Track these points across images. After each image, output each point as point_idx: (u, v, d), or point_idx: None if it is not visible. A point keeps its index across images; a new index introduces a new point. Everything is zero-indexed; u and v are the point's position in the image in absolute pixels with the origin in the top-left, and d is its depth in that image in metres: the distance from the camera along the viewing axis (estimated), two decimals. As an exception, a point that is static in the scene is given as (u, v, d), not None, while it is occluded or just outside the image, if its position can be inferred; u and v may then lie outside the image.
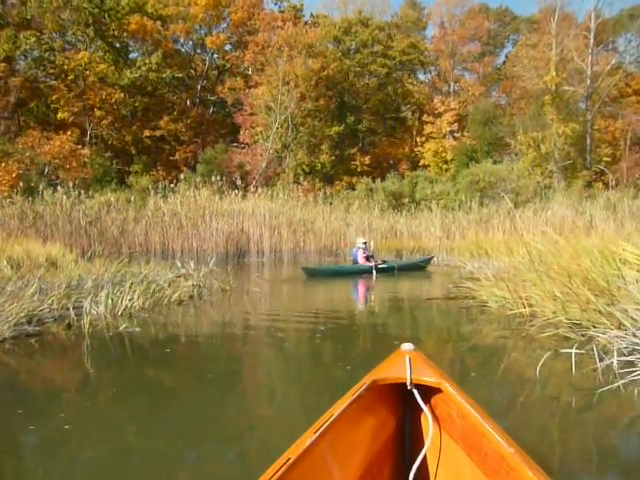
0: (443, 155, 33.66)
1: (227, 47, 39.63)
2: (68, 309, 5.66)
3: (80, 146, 24.57)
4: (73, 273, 7.34)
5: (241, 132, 32.36)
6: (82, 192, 18.29)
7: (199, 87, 38.55)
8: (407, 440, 2.01)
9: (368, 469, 1.77)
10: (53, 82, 32.78)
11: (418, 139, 36.12)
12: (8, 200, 17.25)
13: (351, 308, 7.67)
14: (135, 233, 17.61)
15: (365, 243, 12.78)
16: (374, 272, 11.91)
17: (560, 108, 27.52)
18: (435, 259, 13.84)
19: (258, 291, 8.66)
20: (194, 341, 5.48)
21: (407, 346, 2.09)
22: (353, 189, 28.82)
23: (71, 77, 31.42)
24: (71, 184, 18.62)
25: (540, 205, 19.67)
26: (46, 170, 21.03)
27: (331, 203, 22.42)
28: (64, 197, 17.69)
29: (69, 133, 24.92)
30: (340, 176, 33.03)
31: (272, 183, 27.60)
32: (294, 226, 18.74)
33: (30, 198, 17.89)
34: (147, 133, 34.75)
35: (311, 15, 40.52)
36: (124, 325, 5.39)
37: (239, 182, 22.64)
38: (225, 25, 39.47)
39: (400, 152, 37.68)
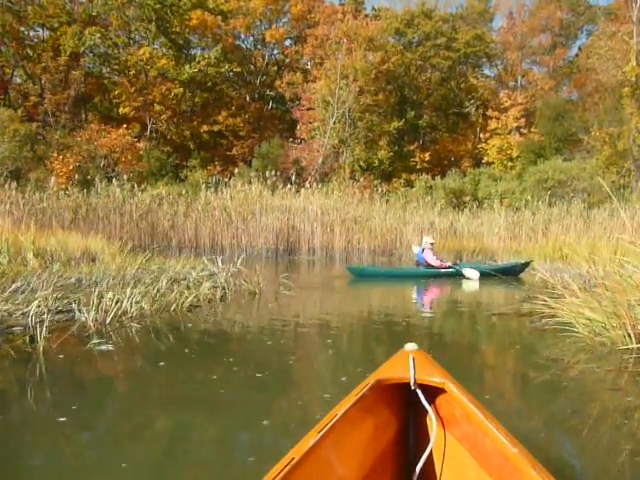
0: (508, 152, 31.87)
1: (287, 42, 39.44)
2: (60, 311, 4.87)
3: (137, 139, 24.69)
4: (102, 268, 6.82)
5: (298, 127, 31.82)
6: (135, 185, 18.20)
7: (258, 82, 38.45)
8: (411, 440, 1.99)
9: (372, 469, 1.75)
10: (116, 77, 33.42)
11: (482, 135, 34.46)
12: (63, 192, 17.34)
13: (396, 322, 6.01)
14: (185, 227, 17.32)
15: (433, 243, 11.27)
16: (465, 271, 10.55)
17: (640, 101, 25.32)
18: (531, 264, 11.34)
19: (291, 295, 7.38)
20: (175, 372, 3.80)
21: (411, 346, 2.04)
22: (411, 187, 27.72)
23: (133, 72, 31.87)
24: (125, 177, 18.60)
25: (617, 206, 17.96)
26: (102, 163, 21.22)
27: (387, 201, 21.44)
28: (117, 190, 17.63)
29: (125, 127, 25.07)
30: (398, 173, 31.93)
31: (328, 179, 26.93)
32: (347, 224, 17.89)
33: (85, 190, 17.98)
34: (205, 128, 34.88)
35: (373, 8, 39.58)
36: (96, 341, 4.14)
37: (294, 177, 22.03)
38: (285, 19, 39.24)
39: (462, 149, 36.13)
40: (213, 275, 7.05)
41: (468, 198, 23.37)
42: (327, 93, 29.60)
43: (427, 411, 1.88)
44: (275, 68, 38.93)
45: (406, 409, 2.01)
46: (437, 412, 1.91)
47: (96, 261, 8.15)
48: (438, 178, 25.94)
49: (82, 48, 30.13)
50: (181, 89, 32.74)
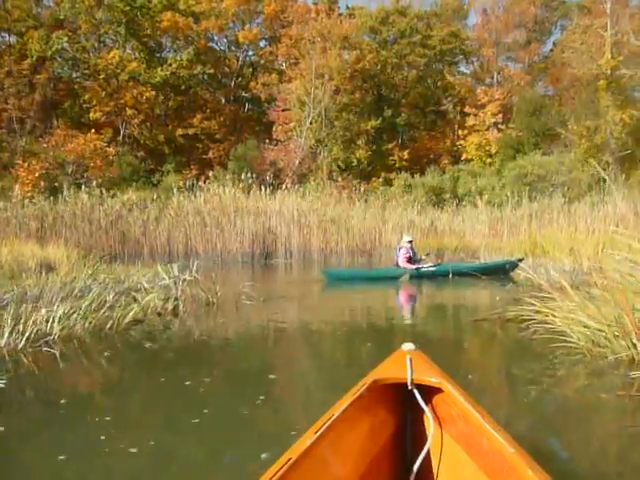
0: (487, 148, 31.71)
1: (261, 43, 38.94)
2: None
3: (106, 144, 23.95)
4: (50, 280, 6.23)
5: (274, 128, 31.30)
6: (104, 191, 17.51)
7: (233, 84, 37.88)
8: (408, 440, 1.97)
9: (369, 469, 1.74)
10: (86, 82, 32.57)
11: (460, 132, 34.28)
12: (29, 200, 16.62)
13: (368, 332, 5.48)
14: (157, 234, 16.69)
15: (411, 242, 10.72)
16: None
17: (616, 94, 25.31)
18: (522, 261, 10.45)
19: (253, 304, 6.61)
20: (73, 420, 2.88)
21: (408, 346, 2.03)
22: (391, 185, 27.35)
23: (103, 76, 31.05)
24: (94, 183, 17.92)
25: (597, 199, 17.77)
26: (70, 169, 20.46)
27: (366, 200, 21.01)
28: (85, 196, 16.95)
29: (93, 131, 24.29)
30: (377, 172, 31.55)
31: (306, 180, 26.45)
32: (325, 225, 17.41)
33: (52, 198, 17.27)
34: (180, 132, 34.21)
35: (347, 7, 39.20)
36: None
37: (271, 179, 21.47)
38: (259, 20, 38.72)
39: (441, 146, 35.94)
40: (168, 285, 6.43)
41: (448, 195, 23.09)
42: (302, 93, 29.16)
43: (424, 411, 1.87)
44: (250, 70, 38.40)
45: (403, 409, 1.99)
46: (434, 412, 1.90)
47: (50, 273, 7.53)
48: (417, 176, 25.60)
49: (49, 52, 29.23)
50: (153, 93, 31.96)
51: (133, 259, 15.21)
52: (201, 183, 20.06)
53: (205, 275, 7.10)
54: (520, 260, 10.08)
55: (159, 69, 32.58)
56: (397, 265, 10.52)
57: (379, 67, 33.63)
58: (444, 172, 27.67)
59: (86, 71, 32.33)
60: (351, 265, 14.25)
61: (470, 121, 33.34)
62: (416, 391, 1.87)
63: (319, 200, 18.73)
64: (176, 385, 3.47)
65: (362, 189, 23.39)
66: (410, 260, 10.42)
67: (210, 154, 34.13)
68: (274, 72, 35.94)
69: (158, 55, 36.00)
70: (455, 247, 15.60)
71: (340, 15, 35.01)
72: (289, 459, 1.40)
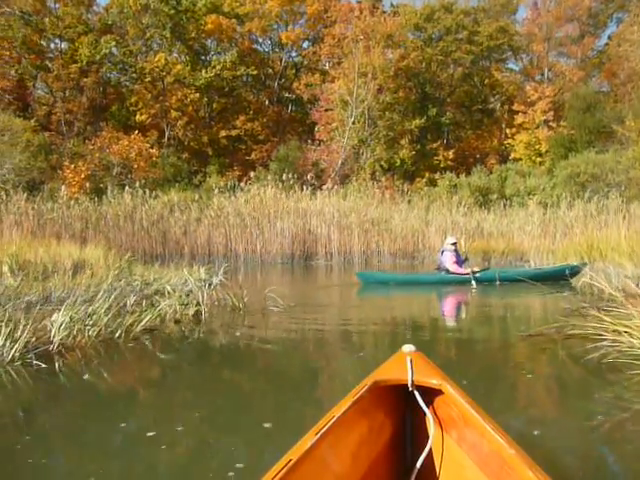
0: (537, 147, 30.51)
1: (304, 44, 38.83)
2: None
3: (150, 145, 24.25)
4: (76, 282, 6.08)
5: (316, 128, 31.05)
6: (147, 192, 17.63)
7: (276, 85, 37.91)
8: (408, 442, 1.96)
9: (369, 470, 1.73)
10: (133, 85, 33.22)
11: (508, 131, 33.15)
12: (74, 201, 16.89)
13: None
14: (197, 234, 16.65)
15: (455, 244, 9.70)
16: (473, 282, 9.01)
17: (678, 88, 23.82)
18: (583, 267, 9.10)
19: (279, 310, 6.05)
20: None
21: (408, 347, 2.01)
22: (435, 186, 26.64)
23: (148, 79, 31.59)
24: (137, 184, 18.07)
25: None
26: (115, 170, 20.78)
27: (409, 201, 20.43)
28: (128, 197, 17.10)
29: (136, 132, 24.60)
30: (421, 172, 30.88)
31: (349, 181, 26.06)
32: (366, 226, 16.96)
33: (97, 199, 17.52)
34: (223, 133, 34.44)
35: (391, 5, 38.60)
36: None
37: (313, 180, 21.17)
38: (302, 21, 38.62)
39: (488, 145, 34.89)
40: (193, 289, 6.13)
41: (495, 196, 22.19)
42: (345, 92, 28.77)
43: (425, 412, 1.85)
44: (293, 71, 38.34)
45: (404, 410, 1.99)
46: (435, 413, 1.89)
47: (81, 273, 7.41)
48: (463, 176, 24.81)
49: (98, 57, 29.91)
50: (197, 95, 32.30)
51: (173, 259, 15.25)
52: (242, 184, 20.01)
53: (239, 277, 6.74)
54: (584, 265, 8.92)
55: (203, 71, 32.87)
56: (438, 269, 9.73)
57: (424, 65, 32.94)
58: (491, 172, 26.72)
59: (133, 75, 33.00)
60: (392, 268, 13.77)
61: (519, 119, 32.22)
62: (417, 392, 1.86)
63: (361, 200, 18.30)
64: (179, 414, 2.99)
65: (406, 190, 22.81)
66: (459, 263, 9.52)
67: (253, 155, 34.21)
68: (317, 72, 35.75)
69: (203, 58, 36.38)
70: (503, 250, 14.86)
71: (384, 13, 34.44)
72: (289, 460, 1.40)
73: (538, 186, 22.10)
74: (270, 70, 38.07)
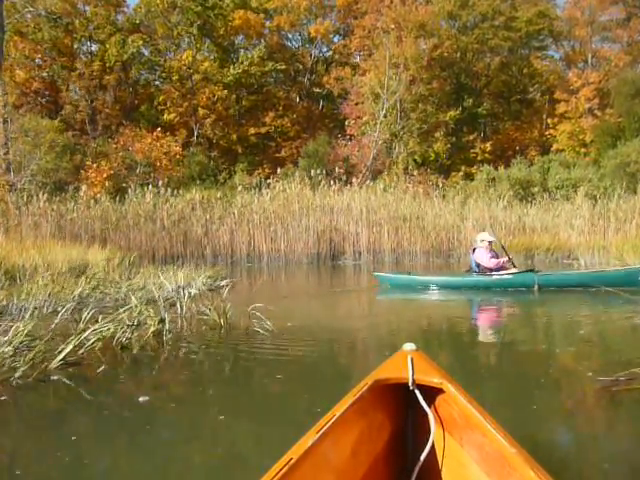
0: (580, 137, 28.82)
1: (335, 39, 37.95)
2: None
3: (173, 143, 23.76)
4: (56, 288, 5.31)
5: (347, 123, 30.07)
6: (169, 191, 17.03)
7: (306, 80, 37.12)
8: (409, 441, 1.95)
9: (370, 469, 1.72)
10: (161, 84, 32.98)
11: (549, 121, 31.51)
12: (94, 201, 16.45)
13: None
14: (220, 234, 15.93)
15: (491, 242, 8.32)
16: (536, 286, 7.51)
17: None
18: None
19: (264, 334, 4.53)
20: None
21: (409, 346, 2.00)
22: (472, 180, 25.32)
23: (176, 77, 31.26)
24: (160, 183, 17.52)
25: None
26: (138, 169, 20.32)
27: (444, 196, 19.24)
28: (149, 196, 16.53)
29: (159, 130, 24.12)
30: (457, 166, 29.51)
31: (381, 177, 25.01)
32: (397, 222, 15.88)
33: (117, 198, 17.05)
34: (252, 131, 33.82)
35: (423, -7, 37.22)
36: None
37: (342, 176, 20.20)
38: (332, 15, 37.69)
39: (527, 137, 33.21)
40: (169, 299, 5.13)
41: (537, 189, 20.77)
42: (376, 85, 27.67)
43: (425, 412, 1.83)
44: (324, 66, 37.47)
45: (404, 410, 1.96)
46: (435, 412, 1.86)
47: (72, 277, 6.67)
48: (501, 168, 23.43)
49: (125, 56, 29.70)
50: (225, 92, 31.76)
51: (195, 260, 14.57)
52: (269, 180, 19.28)
53: (253, 279, 5.67)
54: None
55: (231, 68, 32.35)
56: (469, 270, 8.36)
57: (458, 54, 31.57)
58: (532, 164, 25.22)
59: (163, 74, 32.78)
60: (425, 268, 12.66)
61: (561, 108, 30.59)
62: (417, 391, 1.82)
63: (391, 196, 17.23)
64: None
65: (441, 184, 21.59)
66: (499, 261, 8.14)
67: (283, 152, 33.48)
68: (347, 66, 34.78)
69: (231, 55, 35.89)
70: (548, 246, 13.58)
71: (416, 1, 33.13)
72: (290, 459, 1.37)
73: (584, 177, 20.56)
74: (300, 65, 37.31)
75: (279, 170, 22.21)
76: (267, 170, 30.96)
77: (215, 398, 3.15)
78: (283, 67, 33.85)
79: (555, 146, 29.79)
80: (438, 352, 4.36)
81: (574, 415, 2.86)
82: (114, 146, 21.79)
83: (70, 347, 3.43)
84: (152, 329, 4.27)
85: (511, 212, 17.22)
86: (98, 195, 17.65)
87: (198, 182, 22.67)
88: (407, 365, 1.83)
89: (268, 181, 19.25)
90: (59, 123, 23.61)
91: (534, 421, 2.67)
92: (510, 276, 7.88)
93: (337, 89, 33.60)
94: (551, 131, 31.24)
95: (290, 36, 38.24)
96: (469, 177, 26.89)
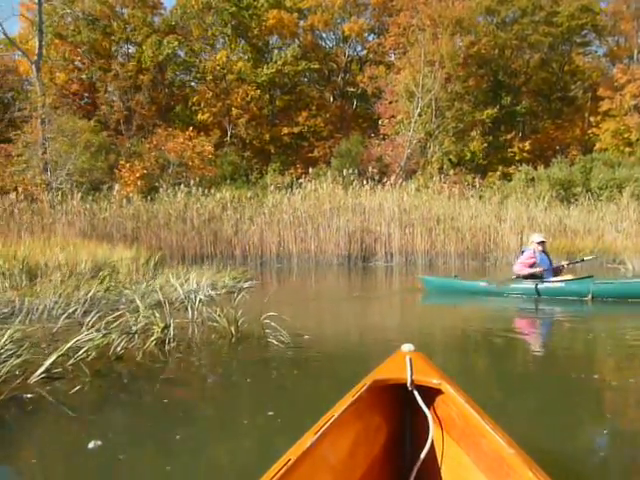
0: (625, 135, 27.62)
1: (369, 38, 37.51)
2: None
3: (206, 143, 23.78)
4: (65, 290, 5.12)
5: (380, 122, 29.61)
6: (200, 190, 16.99)
7: (340, 80, 36.81)
8: (408, 441, 1.95)
9: (369, 470, 1.72)
10: (196, 85, 33.20)
11: (592, 119, 30.34)
12: (126, 201, 16.53)
13: None
14: (250, 233, 15.75)
15: (543, 242, 7.65)
16: (589, 295, 6.76)
17: None
18: None
19: (279, 346, 4.06)
20: None
21: (407, 347, 2.00)
22: (509, 180, 24.54)
23: (210, 78, 31.42)
24: (192, 182, 17.50)
25: None
26: (171, 169, 20.38)
27: (480, 197, 18.63)
28: (180, 195, 16.52)
29: (191, 129, 24.17)
30: (494, 166, 28.69)
31: (415, 177, 24.49)
32: (431, 223, 15.39)
33: (149, 198, 17.10)
34: (285, 130, 33.70)
35: (460, -11, 36.42)
36: None
37: (372, 175, 19.79)
38: (367, 14, 37.29)
39: (569, 136, 32.10)
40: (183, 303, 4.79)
41: (579, 189, 19.93)
42: (411, 82, 27.14)
43: (424, 412, 1.82)
44: (358, 66, 37.10)
45: (403, 410, 1.95)
46: (434, 413, 1.85)
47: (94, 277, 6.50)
48: (541, 168, 22.60)
49: (160, 57, 29.98)
50: (259, 92, 31.74)
51: (224, 260, 14.43)
52: (301, 180, 19.06)
53: (280, 281, 5.23)
54: None
55: (265, 67, 32.33)
56: (530, 276, 7.47)
57: (496, 51, 30.71)
58: (573, 163, 24.28)
59: (197, 75, 33.02)
60: (460, 271, 12.12)
61: (604, 106, 29.42)
62: (416, 392, 1.81)
63: (425, 195, 16.74)
64: None
65: (477, 184, 20.94)
66: (532, 268, 7.42)
67: (316, 152, 33.24)
68: (381, 65, 34.32)
69: (265, 55, 35.88)
70: (591, 250, 12.87)
71: (453, -3, 32.43)
72: (289, 460, 1.37)
73: (630, 177, 19.59)
74: (334, 65, 37.03)
75: (311, 170, 21.90)
76: (299, 170, 30.80)
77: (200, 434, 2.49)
78: (317, 66, 33.67)
79: (598, 145, 28.67)
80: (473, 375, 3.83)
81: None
82: (147, 146, 21.94)
83: (53, 359, 3.07)
84: (154, 337, 3.91)
85: (551, 213, 16.51)
86: (130, 194, 17.73)
87: (229, 182, 22.61)
88: (405, 366, 1.83)
89: (300, 181, 19.04)
90: (95, 123, 23.93)
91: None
92: (562, 284, 7.15)
93: (371, 88, 33.17)
94: (594, 129, 30.11)
95: (324, 35, 38.03)
96: (506, 177, 26.10)
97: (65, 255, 6.98)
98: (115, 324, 3.76)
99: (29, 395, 2.90)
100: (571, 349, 4.60)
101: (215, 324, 4.37)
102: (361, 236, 15.32)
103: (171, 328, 4.01)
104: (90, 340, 3.35)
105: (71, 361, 3.27)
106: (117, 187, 17.44)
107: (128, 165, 19.83)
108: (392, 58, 35.25)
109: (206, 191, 17.46)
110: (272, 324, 4.22)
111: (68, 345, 3.24)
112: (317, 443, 1.48)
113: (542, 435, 2.50)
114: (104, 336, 3.53)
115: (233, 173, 25.06)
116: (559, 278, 7.35)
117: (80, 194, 16.45)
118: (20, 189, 16.23)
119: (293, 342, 4.12)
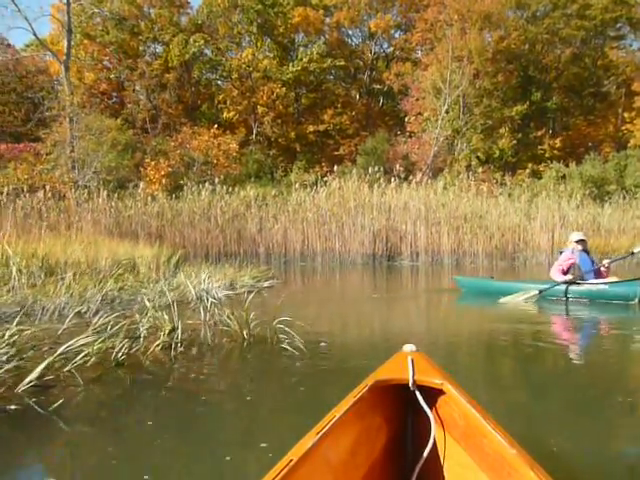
0: (662, 131, 26.71)
1: (396, 34, 37.11)
2: None
3: (230, 140, 23.78)
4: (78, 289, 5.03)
5: (407, 119, 29.22)
6: (224, 188, 16.95)
7: (366, 77, 36.53)
8: (409, 441, 1.94)
9: (370, 470, 1.72)
10: (222, 83, 33.31)
11: (626, 115, 29.43)
12: (150, 199, 16.60)
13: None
14: (274, 232, 15.63)
15: (583, 241, 7.18)
16: (637, 299, 6.26)
17: None
18: None
19: (292, 352, 3.76)
20: None
21: (409, 347, 1.99)
22: (539, 178, 23.92)
23: (236, 76, 31.47)
24: (216, 180, 17.49)
25: None
26: (196, 167, 20.43)
27: (509, 195, 18.16)
28: (204, 193, 16.51)
29: (215, 127, 24.19)
30: (523, 163, 28.06)
31: (442, 175, 24.08)
32: (458, 222, 15.03)
33: (174, 196, 17.15)
34: (311, 128, 33.57)
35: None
36: None
37: (399, 173, 19.46)
38: (394, 11, 36.88)
39: (601, 132, 31.23)
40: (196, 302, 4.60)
41: (613, 187, 19.29)
42: (438, 79, 26.69)
43: (426, 412, 1.82)
44: (384, 63, 36.76)
45: (405, 410, 1.95)
46: (436, 413, 1.85)
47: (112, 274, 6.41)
48: (573, 165, 21.96)
49: (187, 56, 30.15)
50: (284, 89, 31.67)
51: (248, 258, 14.35)
52: (326, 178, 18.88)
53: (301, 280, 4.98)
54: None
55: (290, 65, 32.25)
56: (568, 282, 6.90)
57: (526, 46, 30.04)
58: (606, 160, 23.55)
59: (223, 73, 33.12)
60: (489, 271, 11.75)
61: (639, 101, 28.45)
62: (418, 392, 1.81)
63: (452, 194, 16.37)
64: None
65: (506, 182, 20.43)
66: (567, 273, 6.87)
67: (341, 150, 33.04)
68: (408, 61, 33.91)
69: (291, 53, 35.80)
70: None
71: (481, -8, 31.81)
72: (290, 460, 1.37)
73: (666, 175, 18.92)
74: (359, 62, 36.75)
75: (336, 168, 21.70)
76: (325, 168, 30.62)
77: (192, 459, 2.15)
78: (342, 64, 33.45)
79: (633, 141, 27.80)
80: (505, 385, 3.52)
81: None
82: (172, 144, 22.05)
83: (44, 365, 2.84)
84: (159, 340, 3.68)
85: (583, 211, 15.99)
86: (155, 192, 17.80)
87: (254, 180, 22.57)
88: (407, 366, 1.83)
89: (325, 179, 18.86)
90: (121, 122, 24.17)
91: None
92: (606, 286, 6.60)
93: (397, 85, 32.81)
94: (628, 126, 29.22)
95: (350, 32, 37.79)
96: (536, 175, 25.47)
97: (85, 253, 6.94)
98: (121, 326, 3.54)
99: (12, 407, 2.65)
100: (611, 358, 4.19)
101: (226, 328, 4.12)
102: (386, 235, 15.06)
103: (179, 331, 3.79)
104: (88, 344, 3.17)
105: (68, 367, 3.05)
106: (142, 185, 17.52)
107: (153, 163, 19.94)
108: (419, 54, 34.80)
109: (230, 189, 17.43)
110: (286, 329, 3.93)
111: (59, 351, 3.03)
112: (319, 443, 1.48)
113: (566, 445, 2.27)
114: (103, 341, 3.31)
115: (258, 171, 25.03)
116: (602, 280, 6.84)
117: (106, 192, 16.57)
118: (48, 187, 16.41)
119: (308, 349, 3.81)
